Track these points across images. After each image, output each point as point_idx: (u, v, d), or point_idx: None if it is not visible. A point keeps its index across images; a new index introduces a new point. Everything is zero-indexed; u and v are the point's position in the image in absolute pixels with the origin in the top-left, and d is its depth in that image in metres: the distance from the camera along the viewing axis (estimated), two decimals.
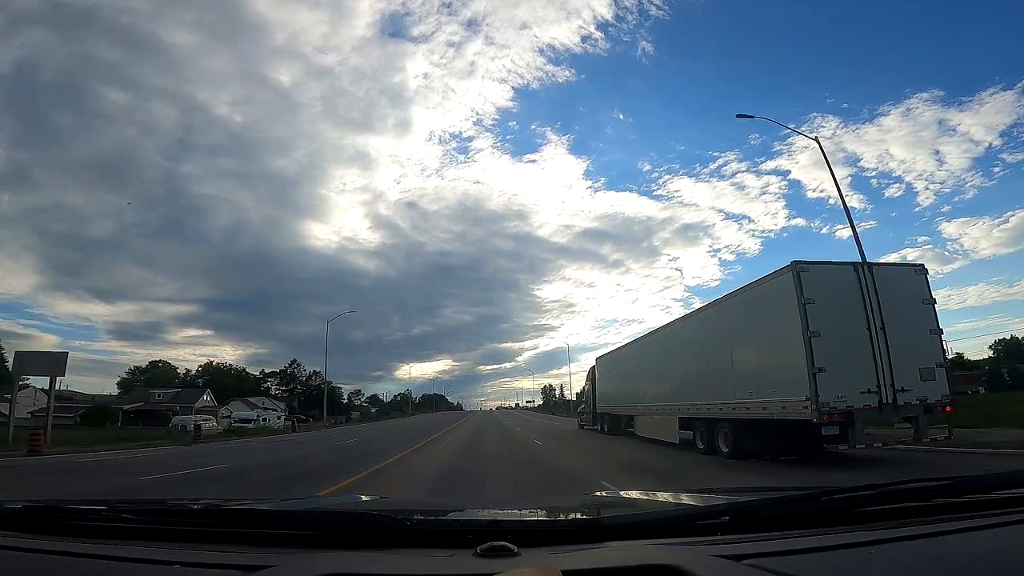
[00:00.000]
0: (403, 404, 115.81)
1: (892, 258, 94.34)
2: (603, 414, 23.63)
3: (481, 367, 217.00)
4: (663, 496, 2.03)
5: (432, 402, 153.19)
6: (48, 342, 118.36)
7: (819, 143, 17.60)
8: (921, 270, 10.48)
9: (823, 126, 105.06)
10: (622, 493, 2.60)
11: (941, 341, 10.19)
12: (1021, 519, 1.08)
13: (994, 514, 1.13)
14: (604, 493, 3.09)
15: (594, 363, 25.93)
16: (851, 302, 9.80)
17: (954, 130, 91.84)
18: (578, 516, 1.56)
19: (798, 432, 10.36)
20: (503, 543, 0.98)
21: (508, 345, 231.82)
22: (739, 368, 11.58)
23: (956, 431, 10.10)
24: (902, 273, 10.56)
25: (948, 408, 9.80)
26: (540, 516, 1.61)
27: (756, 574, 0.86)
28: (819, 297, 9.63)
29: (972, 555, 0.99)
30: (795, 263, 9.96)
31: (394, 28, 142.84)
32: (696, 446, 13.47)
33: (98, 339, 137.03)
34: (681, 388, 14.49)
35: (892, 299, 9.89)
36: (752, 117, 18.86)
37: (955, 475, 1.36)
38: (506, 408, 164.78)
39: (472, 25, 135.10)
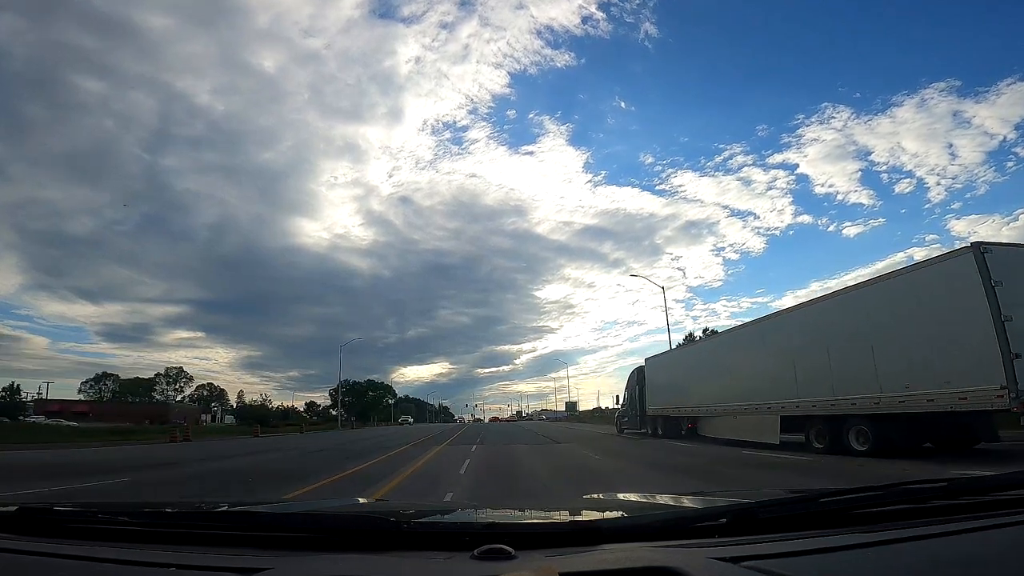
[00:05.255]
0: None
1: (899, 258, 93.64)
2: (656, 417, 22.91)
3: (479, 370, 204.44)
4: (661, 498, 2.01)
5: (361, 408, 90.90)
6: (38, 344, 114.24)
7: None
8: None
9: (834, 117, 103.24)
10: (619, 495, 2.54)
11: None
12: (1018, 521, 1.09)
13: (991, 516, 1.13)
14: (601, 495, 3.05)
15: (642, 364, 25.41)
16: None
17: (969, 122, 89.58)
18: (575, 519, 1.52)
19: (954, 425, 9.97)
20: (500, 546, 0.98)
21: (506, 348, 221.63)
22: (885, 360, 10.89)
23: None
24: None
25: None
26: (537, 519, 1.60)
27: None
28: (1006, 279, 9.03)
29: (969, 557, 0.98)
30: (976, 244, 9.44)
31: (384, 8, 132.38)
32: (812, 446, 12.87)
33: (89, 341, 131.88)
34: (786, 385, 13.76)
35: None
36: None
37: (952, 477, 1.37)
38: (541, 416, 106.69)
39: (466, 4, 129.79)
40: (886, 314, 11.05)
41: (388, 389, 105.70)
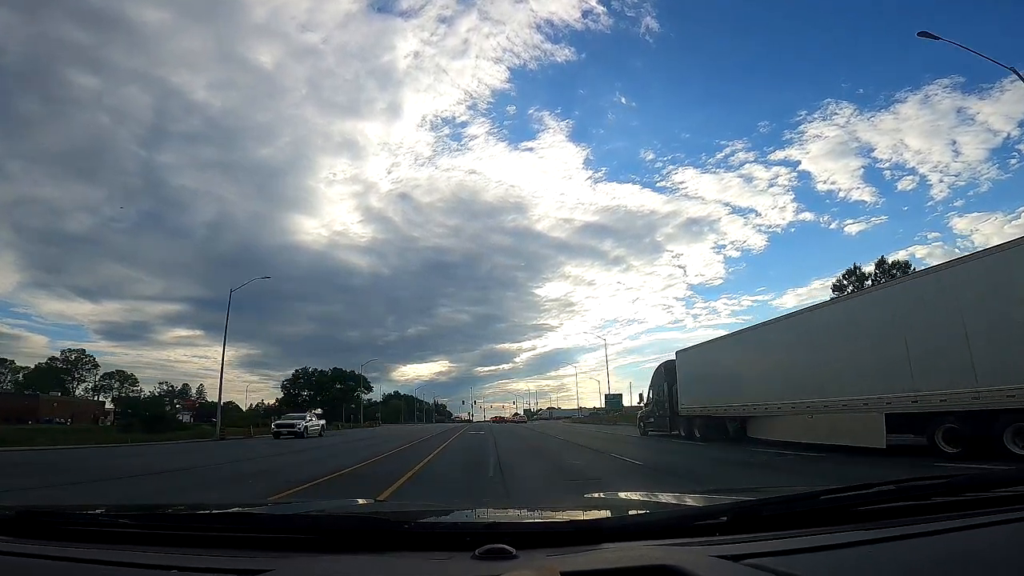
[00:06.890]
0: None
1: (901, 255, 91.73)
2: (691, 417, 20.18)
3: (479, 368, 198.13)
4: (662, 497, 1.99)
5: (325, 403, 74.97)
6: (37, 343, 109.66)
7: None
8: None
9: (837, 113, 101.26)
10: (621, 494, 2.38)
11: None
12: (1020, 517, 1.07)
13: (993, 512, 1.12)
14: (603, 494, 2.87)
15: (671, 359, 22.96)
16: None
17: (972, 119, 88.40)
18: (576, 518, 1.47)
19: None
20: (501, 545, 0.97)
21: (506, 346, 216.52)
22: None
23: None
24: None
25: None
26: (538, 518, 1.57)
27: (755, 574, 0.86)
28: None
29: (971, 553, 0.97)
30: None
31: (382, 2, 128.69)
32: (940, 450, 10.35)
33: (88, 339, 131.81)
34: (895, 375, 11.14)
35: None
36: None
37: (954, 473, 1.36)
38: (570, 416, 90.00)
39: None
40: None
41: (361, 380, 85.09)
